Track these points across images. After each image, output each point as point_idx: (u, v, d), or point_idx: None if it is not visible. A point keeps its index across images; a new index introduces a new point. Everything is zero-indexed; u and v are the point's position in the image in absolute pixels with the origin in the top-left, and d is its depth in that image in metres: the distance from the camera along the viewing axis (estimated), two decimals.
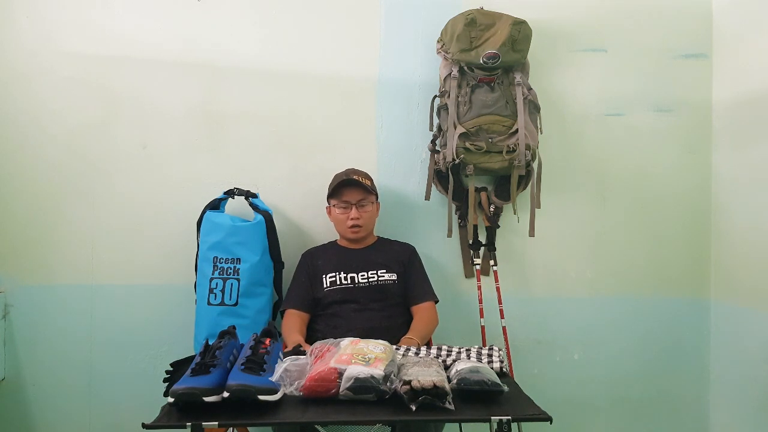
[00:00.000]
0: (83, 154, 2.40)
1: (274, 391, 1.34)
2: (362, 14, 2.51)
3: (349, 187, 2.22)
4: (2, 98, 2.37)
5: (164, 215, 2.43)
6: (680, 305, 2.62)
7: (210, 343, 1.51)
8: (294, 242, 2.44)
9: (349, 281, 2.20)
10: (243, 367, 1.36)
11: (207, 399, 1.29)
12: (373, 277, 2.21)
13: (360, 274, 2.21)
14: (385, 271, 2.22)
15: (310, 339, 2.08)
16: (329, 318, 2.17)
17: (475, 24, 2.33)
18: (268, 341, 1.50)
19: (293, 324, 2.13)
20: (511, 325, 2.47)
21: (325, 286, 2.20)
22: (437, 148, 2.44)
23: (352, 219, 2.22)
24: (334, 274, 2.21)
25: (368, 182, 2.25)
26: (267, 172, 2.47)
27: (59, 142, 2.39)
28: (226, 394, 1.29)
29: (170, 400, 1.30)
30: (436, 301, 2.27)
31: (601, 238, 2.60)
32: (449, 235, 2.43)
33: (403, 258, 2.29)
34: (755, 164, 2.37)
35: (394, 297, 2.20)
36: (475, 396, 1.40)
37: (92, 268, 2.41)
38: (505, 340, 2.42)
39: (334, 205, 2.26)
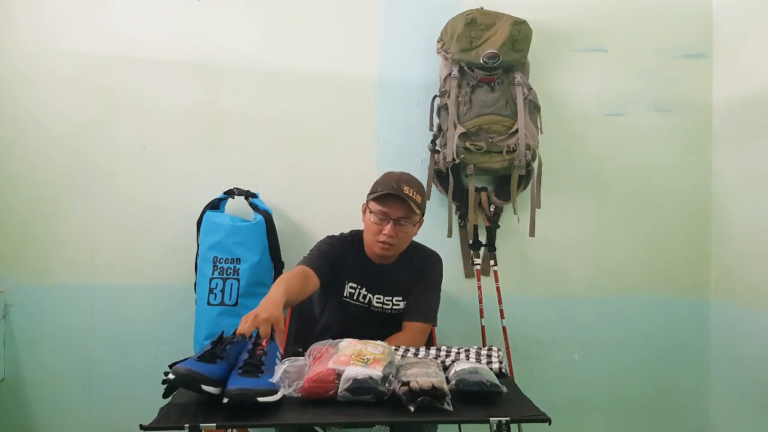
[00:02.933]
0: (83, 153, 2.41)
1: (274, 392, 1.34)
2: (362, 14, 2.51)
3: (396, 199, 1.88)
4: (3, 98, 2.38)
5: (164, 215, 2.43)
6: (680, 305, 2.62)
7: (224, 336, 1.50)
8: (294, 242, 2.43)
9: (365, 302, 2.02)
10: (241, 371, 1.36)
11: (205, 387, 1.28)
12: (388, 305, 2.03)
13: (376, 297, 2.01)
14: (400, 298, 2.02)
15: (320, 337, 1.93)
16: (338, 331, 1.96)
17: (475, 24, 2.33)
18: (264, 342, 1.50)
19: (290, 278, 1.78)
20: (511, 325, 2.46)
21: (344, 294, 2.02)
22: (437, 148, 2.44)
23: (385, 235, 1.89)
24: (355, 285, 2.01)
25: (419, 198, 1.90)
26: (267, 172, 2.47)
27: (59, 141, 2.40)
28: (225, 400, 1.28)
29: (171, 377, 1.28)
30: (432, 325, 2.02)
31: (601, 238, 2.60)
32: (449, 235, 2.43)
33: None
34: (755, 164, 2.37)
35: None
36: (474, 397, 1.39)
37: (92, 268, 2.41)
38: (505, 340, 2.42)
39: (371, 211, 1.92)
